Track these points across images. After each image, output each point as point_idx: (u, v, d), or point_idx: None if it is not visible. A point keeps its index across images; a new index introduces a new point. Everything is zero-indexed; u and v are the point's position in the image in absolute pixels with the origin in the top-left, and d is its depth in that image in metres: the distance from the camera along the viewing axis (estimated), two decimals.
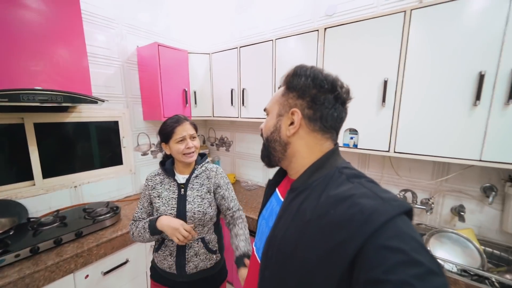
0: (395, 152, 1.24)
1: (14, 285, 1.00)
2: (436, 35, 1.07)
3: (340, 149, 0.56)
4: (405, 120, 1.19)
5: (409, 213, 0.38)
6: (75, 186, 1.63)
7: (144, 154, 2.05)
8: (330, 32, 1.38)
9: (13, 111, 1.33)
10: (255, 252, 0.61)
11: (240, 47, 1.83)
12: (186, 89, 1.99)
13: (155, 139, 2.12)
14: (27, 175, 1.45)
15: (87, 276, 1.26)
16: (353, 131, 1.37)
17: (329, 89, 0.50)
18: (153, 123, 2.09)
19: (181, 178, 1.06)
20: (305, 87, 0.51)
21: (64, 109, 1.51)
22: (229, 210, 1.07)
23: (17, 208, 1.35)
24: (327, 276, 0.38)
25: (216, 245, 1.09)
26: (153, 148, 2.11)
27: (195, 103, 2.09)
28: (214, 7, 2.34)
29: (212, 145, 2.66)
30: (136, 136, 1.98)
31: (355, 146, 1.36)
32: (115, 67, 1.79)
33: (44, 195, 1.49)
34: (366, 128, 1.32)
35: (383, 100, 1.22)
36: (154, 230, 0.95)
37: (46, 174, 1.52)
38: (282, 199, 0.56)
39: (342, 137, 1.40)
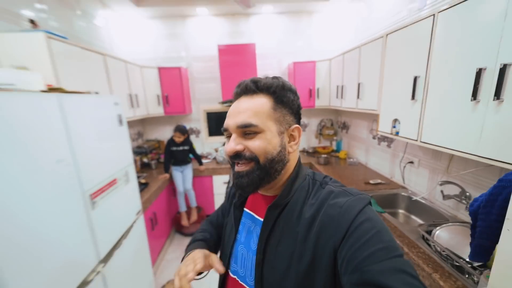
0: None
1: (210, 171, 2.87)
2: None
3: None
4: None
5: (369, 203, 0.47)
6: None
7: None
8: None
9: None
10: (240, 281, 0.58)
11: (344, 53, 2.39)
12: (311, 88, 2.94)
13: None
14: None
15: None
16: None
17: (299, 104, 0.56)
18: None
19: None
20: (293, 103, 0.54)
21: None
22: None
23: None
24: (326, 271, 0.45)
25: None
26: None
27: (318, 97, 2.97)
28: (344, 20, 2.91)
29: (339, 127, 3.34)
30: None
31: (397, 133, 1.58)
32: None
33: None
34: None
35: None
36: None
37: None
38: (260, 218, 0.57)
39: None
